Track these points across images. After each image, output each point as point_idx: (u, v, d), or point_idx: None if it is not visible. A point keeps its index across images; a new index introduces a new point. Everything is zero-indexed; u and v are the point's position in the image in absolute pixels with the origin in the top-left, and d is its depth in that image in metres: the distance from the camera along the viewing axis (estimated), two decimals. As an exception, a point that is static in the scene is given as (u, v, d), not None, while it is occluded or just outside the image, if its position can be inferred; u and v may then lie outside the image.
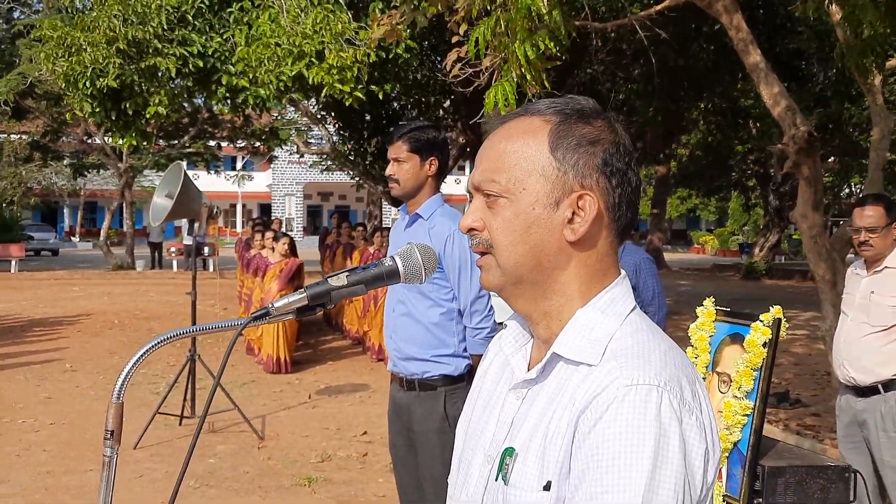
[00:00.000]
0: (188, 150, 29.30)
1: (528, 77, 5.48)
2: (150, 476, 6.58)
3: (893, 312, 4.27)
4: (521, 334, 1.45)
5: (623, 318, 1.32)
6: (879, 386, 4.31)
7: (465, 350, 3.69)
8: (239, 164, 51.82)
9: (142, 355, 1.29)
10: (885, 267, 4.31)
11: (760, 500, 2.91)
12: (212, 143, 30.21)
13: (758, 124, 20.22)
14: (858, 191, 37.37)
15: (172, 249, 30.09)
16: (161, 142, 28.07)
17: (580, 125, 1.33)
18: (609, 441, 1.18)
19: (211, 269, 29.02)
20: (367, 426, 8.13)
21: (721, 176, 33.89)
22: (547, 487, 1.25)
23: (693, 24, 12.65)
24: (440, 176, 3.75)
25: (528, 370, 1.38)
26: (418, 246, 1.47)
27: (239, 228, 49.89)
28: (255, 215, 49.51)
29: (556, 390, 1.30)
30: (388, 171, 3.75)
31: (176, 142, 28.50)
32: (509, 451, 1.32)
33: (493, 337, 3.61)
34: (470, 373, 3.72)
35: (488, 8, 5.37)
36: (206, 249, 29.74)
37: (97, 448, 7.33)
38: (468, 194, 1.40)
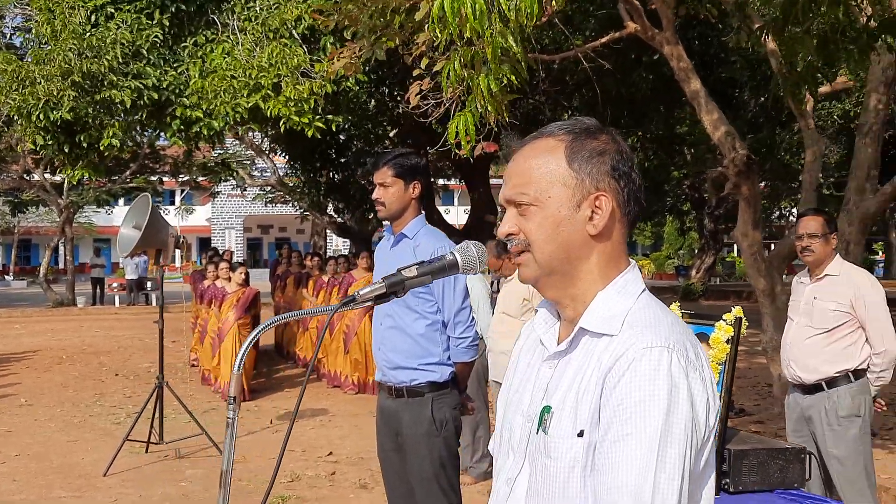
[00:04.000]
0: (130, 185, 29.11)
1: (490, 108, 5.82)
2: (124, 500, 6.70)
3: (834, 316, 4.67)
4: (549, 318, 1.75)
5: (636, 297, 1.63)
6: (823, 384, 4.70)
7: (449, 358, 3.98)
8: (178, 199, 51.46)
9: (256, 335, 1.55)
10: (826, 275, 4.73)
11: (727, 480, 3.23)
12: (153, 178, 30.07)
13: (692, 150, 20.88)
14: (787, 213, 38.57)
15: (115, 285, 29.85)
16: (99, 177, 27.87)
17: (589, 140, 1.64)
18: (632, 392, 1.48)
19: (153, 303, 28.83)
20: (331, 447, 8.33)
21: (657, 201, 34.69)
22: (580, 434, 1.54)
23: (633, 55, 13.19)
24: (423, 198, 4.04)
25: (558, 345, 1.68)
26: (473, 243, 1.77)
27: (178, 263, 49.48)
28: (194, 249, 49.26)
29: (583, 358, 1.60)
30: (374, 195, 4.03)
31: (117, 177, 28.33)
32: (547, 409, 1.61)
33: (475, 346, 3.92)
34: (453, 379, 4.01)
35: (454, 41, 5.67)
36: (148, 284, 29.59)
37: (65, 476, 7.43)
38: (499, 207, 1.70)
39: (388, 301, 1.68)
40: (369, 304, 1.66)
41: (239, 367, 1.55)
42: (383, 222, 20.22)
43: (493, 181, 19.50)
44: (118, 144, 11.21)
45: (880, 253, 45.66)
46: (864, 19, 6.44)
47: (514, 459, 1.68)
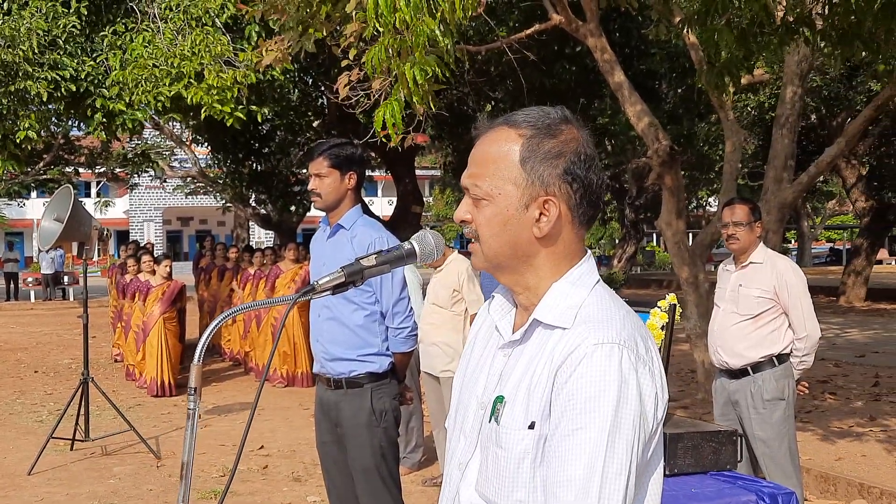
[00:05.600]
0: (44, 176, 28.29)
1: (416, 98, 5.83)
2: (51, 499, 6.56)
3: (758, 302, 4.82)
4: (505, 303, 1.77)
5: (590, 289, 1.65)
6: (749, 368, 4.84)
7: (387, 349, 4.00)
8: (94, 191, 50.25)
9: (215, 326, 1.55)
10: (751, 262, 4.87)
11: (663, 462, 3.32)
12: (68, 169, 29.27)
13: (613, 141, 21.15)
14: (706, 203, 39.44)
15: (29, 280, 29.07)
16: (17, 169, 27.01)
17: (546, 140, 1.63)
18: (582, 388, 1.51)
19: (71, 298, 28.16)
20: (262, 441, 8.27)
21: (578, 192, 34.97)
22: (531, 427, 1.57)
23: (556, 47, 13.33)
24: (359, 188, 4.05)
25: (513, 333, 1.71)
26: (430, 231, 1.79)
27: (96, 256, 48.39)
28: (112, 242, 48.16)
29: (536, 350, 1.62)
30: (310, 186, 4.01)
31: (30, 168, 27.51)
32: (500, 399, 1.64)
33: (413, 336, 3.94)
34: (392, 370, 4.03)
35: (379, 30, 5.66)
36: (65, 279, 28.88)
37: (0, 476, 7.25)
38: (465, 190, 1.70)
39: (346, 290, 1.69)
40: (328, 293, 1.66)
41: (199, 359, 1.55)
42: (306, 214, 19.98)
43: (418, 172, 19.51)
44: (35, 136, 10.92)
45: (793, 241, 47.06)
46: (781, 13, 6.64)
47: (465, 445, 1.71)
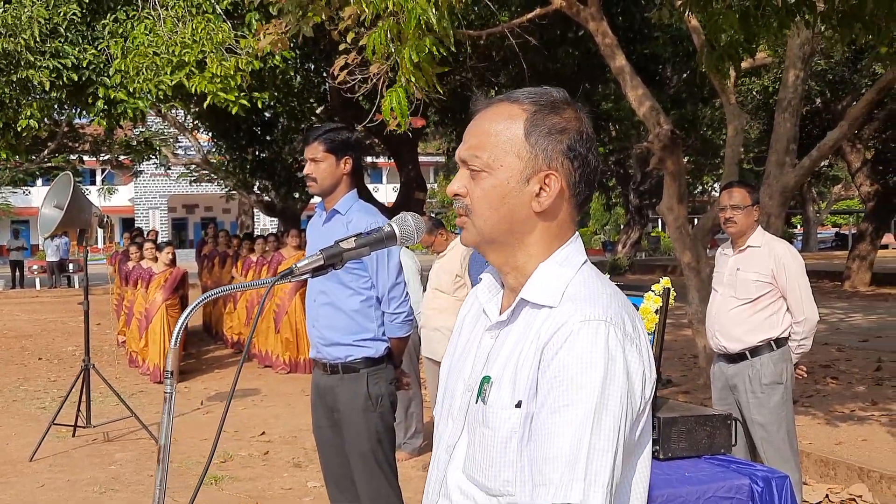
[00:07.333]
0: (48, 164, 28.30)
1: (419, 81, 5.81)
2: (52, 485, 6.59)
3: (756, 286, 4.80)
4: (493, 286, 1.76)
5: (577, 268, 1.64)
6: (747, 352, 4.83)
7: (383, 334, 3.99)
8: (99, 178, 50.29)
9: (192, 309, 1.55)
10: (748, 246, 4.86)
11: (657, 447, 3.31)
12: (72, 157, 29.28)
13: (617, 126, 21.10)
14: (711, 188, 39.36)
15: (35, 267, 29.12)
16: (18, 157, 27.05)
17: (551, 116, 1.62)
18: (569, 365, 1.50)
19: (76, 285, 28.22)
20: (263, 427, 8.29)
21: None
22: (518, 405, 1.56)
23: (558, 31, 13.27)
24: (355, 173, 4.03)
25: (500, 315, 1.70)
26: (409, 214, 1.78)
27: (100, 244, 48.41)
28: (117, 230, 48.18)
29: (523, 329, 1.61)
30: (305, 171, 4.00)
31: (34, 157, 27.54)
32: (486, 379, 1.63)
33: (409, 321, 3.94)
34: (389, 355, 4.03)
35: (380, 15, 5.64)
36: (70, 266, 28.95)
37: (3, 462, 7.26)
38: (459, 164, 1.69)
39: (325, 273, 1.69)
40: (307, 276, 1.66)
41: (176, 342, 1.55)
42: (309, 201, 19.97)
43: (422, 158, 19.46)
44: (36, 125, 10.92)
45: (798, 226, 46.95)
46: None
47: (453, 427, 1.70)
